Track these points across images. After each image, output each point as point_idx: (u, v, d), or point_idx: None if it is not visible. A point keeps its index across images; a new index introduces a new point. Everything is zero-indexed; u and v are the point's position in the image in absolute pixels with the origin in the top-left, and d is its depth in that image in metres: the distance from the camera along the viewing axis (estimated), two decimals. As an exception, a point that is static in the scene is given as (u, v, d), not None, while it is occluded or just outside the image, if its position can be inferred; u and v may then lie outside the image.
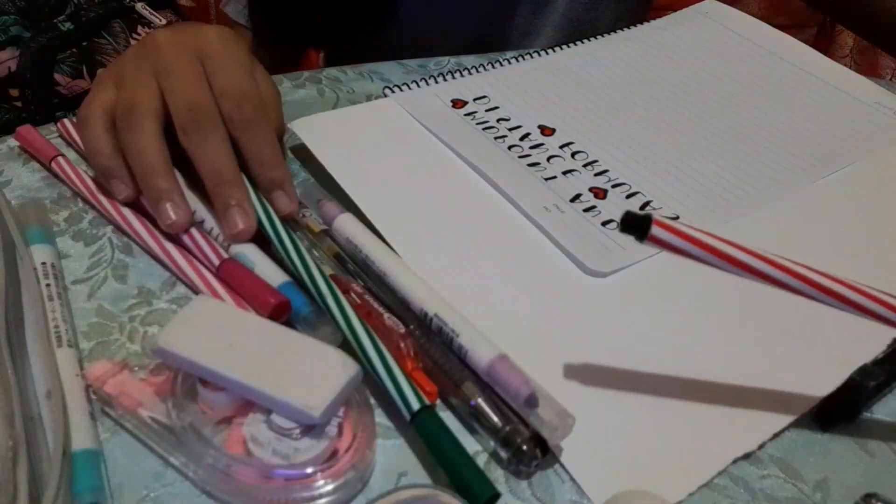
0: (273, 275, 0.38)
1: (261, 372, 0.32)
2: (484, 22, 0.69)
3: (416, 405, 0.32)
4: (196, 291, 0.39)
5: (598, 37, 0.61)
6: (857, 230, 0.45)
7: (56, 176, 0.46)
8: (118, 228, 0.43)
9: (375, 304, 0.37)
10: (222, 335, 0.33)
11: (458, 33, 0.59)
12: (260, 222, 0.40)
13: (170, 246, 0.40)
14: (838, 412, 0.34)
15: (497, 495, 0.31)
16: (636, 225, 0.30)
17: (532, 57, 0.58)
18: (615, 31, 0.62)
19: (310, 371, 0.32)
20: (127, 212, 0.42)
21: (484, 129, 0.51)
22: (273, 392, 0.31)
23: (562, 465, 0.32)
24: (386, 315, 0.36)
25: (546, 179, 0.46)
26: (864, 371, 0.35)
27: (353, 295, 0.37)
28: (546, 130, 0.51)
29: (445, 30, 0.55)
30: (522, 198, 0.45)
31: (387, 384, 0.33)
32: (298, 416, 0.31)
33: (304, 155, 0.49)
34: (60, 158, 0.46)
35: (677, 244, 0.31)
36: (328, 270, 0.39)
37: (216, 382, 0.32)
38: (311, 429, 0.31)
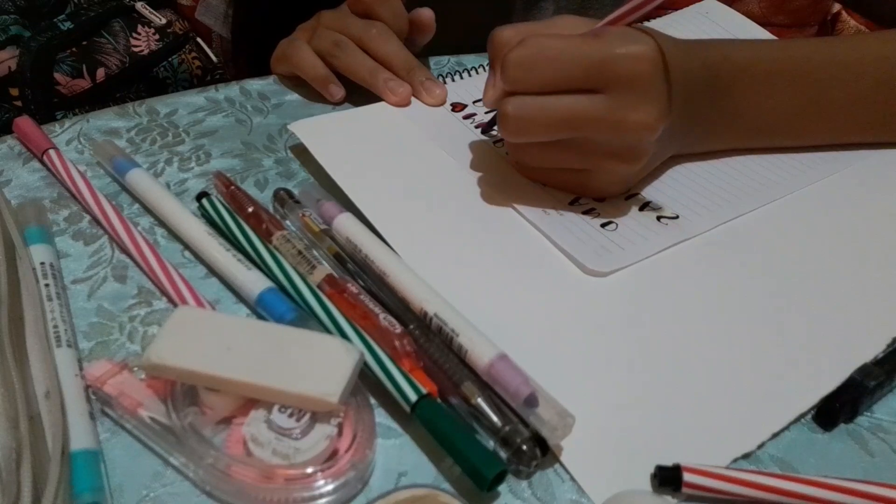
0: (257, 281, 0.38)
1: (267, 369, 0.32)
2: (473, 29, 0.69)
3: (413, 396, 0.32)
4: (173, 303, 0.39)
5: (598, 36, 0.61)
6: (857, 231, 0.45)
7: (47, 168, 0.46)
8: (97, 223, 0.43)
9: (371, 305, 0.37)
10: (216, 340, 0.33)
11: (447, 41, 0.59)
12: (234, 237, 0.41)
13: (146, 250, 0.40)
14: (838, 412, 0.34)
15: (504, 472, 0.31)
16: (669, 478, 0.31)
17: (532, 56, 0.58)
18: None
19: (315, 361, 0.32)
20: (108, 208, 0.43)
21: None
22: (285, 386, 0.31)
23: (562, 465, 0.32)
24: (381, 316, 0.36)
25: (544, 184, 0.46)
26: (864, 371, 0.35)
27: (347, 296, 0.37)
28: (546, 130, 0.51)
29: (434, 39, 0.56)
30: (520, 204, 0.45)
31: (382, 379, 0.33)
32: (315, 405, 0.31)
33: (303, 155, 0.49)
34: (52, 152, 0.46)
35: (712, 485, 0.31)
36: (326, 270, 0.39)
37: (221, 388, 0.32)
38: (311, 429, 0.31)
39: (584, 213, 0.44)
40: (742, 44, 0.48)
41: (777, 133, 0.49)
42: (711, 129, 0.47)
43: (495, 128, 0.49)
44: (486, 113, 0.52)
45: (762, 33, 0.62)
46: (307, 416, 0.32)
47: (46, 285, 0.38)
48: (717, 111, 0.46)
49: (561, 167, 0.44)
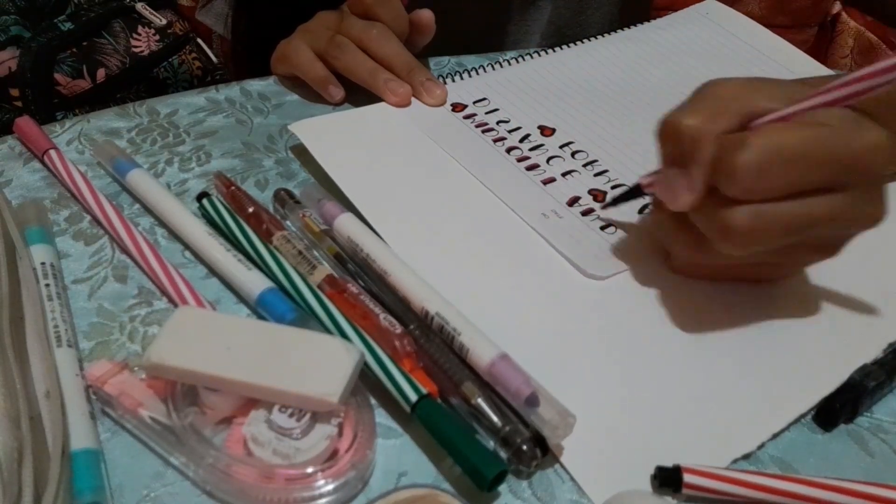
0: (257, 281, 0.38)
1: (267, 369, 0.32)
2: (469, 32, 0.69)
3: (413, 396, 0.32)
4: (174, 303, 0.39)
5: (599, 37, 0.61)
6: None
7: (48, 168, 0.46)
8: (97, 223, 0.43)
9: (371, 306, 0.37)
10: (217, 340, 0.33)
11: (447, 42, 0.60)
12: (235, 237, 0.41)
13: (147, 250, 0.40)
14: (838, 412, 0.34)
15: (505, 471, 0.31)
16: (669, 478, 0.31)
17: (532, 57, 0.58)
18: (615, 31, 0.62)
19: (315, 361, 0.32)
20: (108, 208, 0.43)
21: (483, 132, 0.51)
22: (285, 386, 0.31)
23: (562, 465, 0.32)
24: (382, 316, 0.36)
25: (545, 184, 0.46)
26: (864, 371, 0.35)
27: (347, 296, 0.37)
28: (546, 131, 0.51)
29: (434, 39, 0.57)
30: (520, 206, 0.45)
31: (382, 379, 0.33)
32: (315, 405, 0.31)
33: (304, 155, 0.49)
34: (53, 152, 0.46)
35: (712, 486, 0.31)
36: (326, 270, 0.39)
37: (221, 388, 0.32)
38: (311, 429, 0.31)
39: (583, 214, 0.44)
40: None
41: None
42: None
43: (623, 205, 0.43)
44: (486, 113, 0.52)
45: (763, 33, 0.62)
46: (307, 416, 0.32)
47: (47, 285, 0.38)
48: None
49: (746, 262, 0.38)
